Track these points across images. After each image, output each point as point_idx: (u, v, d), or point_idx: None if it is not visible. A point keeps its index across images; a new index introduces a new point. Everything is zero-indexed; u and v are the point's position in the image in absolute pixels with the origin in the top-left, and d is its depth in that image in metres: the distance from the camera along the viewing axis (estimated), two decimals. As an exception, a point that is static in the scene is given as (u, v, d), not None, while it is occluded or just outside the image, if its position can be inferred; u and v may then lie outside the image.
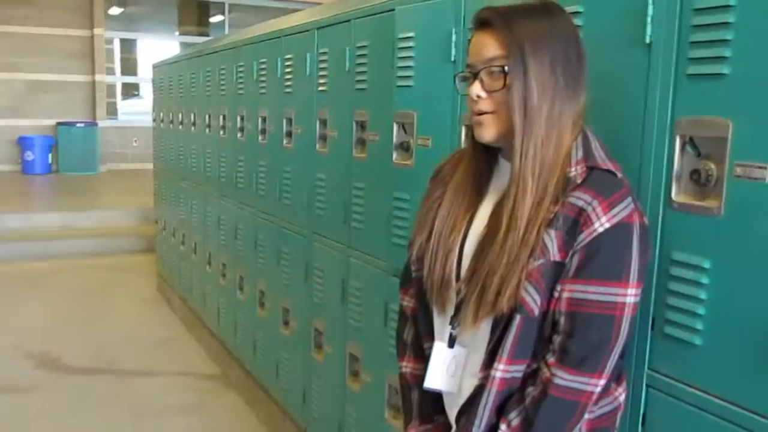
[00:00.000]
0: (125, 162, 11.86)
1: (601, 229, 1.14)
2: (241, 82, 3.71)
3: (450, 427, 1.37)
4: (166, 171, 5.57)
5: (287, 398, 3.26)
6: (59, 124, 11.53)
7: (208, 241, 4.44)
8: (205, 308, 4.57)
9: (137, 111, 12.97)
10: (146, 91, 13.35)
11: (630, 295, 1.15)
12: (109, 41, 12.57)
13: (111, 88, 12.65)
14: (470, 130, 1.31)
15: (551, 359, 1.17)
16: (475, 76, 1.23)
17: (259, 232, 3.53)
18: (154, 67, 5.83)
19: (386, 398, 2.33)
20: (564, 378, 1.16)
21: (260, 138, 3.44)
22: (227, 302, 4.08)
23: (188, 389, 4.03)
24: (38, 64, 11.66)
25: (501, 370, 1.20)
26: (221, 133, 4.07)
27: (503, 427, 1.20)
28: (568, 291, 1.16)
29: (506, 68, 1.18)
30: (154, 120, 5.86)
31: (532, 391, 1.19)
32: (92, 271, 6.64)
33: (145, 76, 13.24)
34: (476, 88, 1.22)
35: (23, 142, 11.39)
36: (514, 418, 1.19)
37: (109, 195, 9.87)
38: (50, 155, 11.45)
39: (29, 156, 11.35)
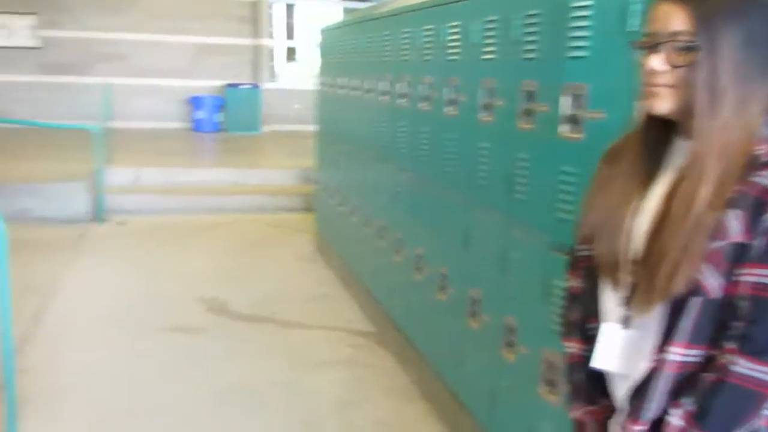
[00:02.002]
0: (285, 123, 12.34)
1: None
2: (405, 49, 3.75)
3: (613, 410, 1.35)
4: (328, 134, 5.76)
5: (439, 362, 3.33)
6: (227, 85, 12.15)
7: (367, 203, 4.57)
8: (362, 268, 4.73)
9: (296, 74, 13.42)
10: (303, 55, 13.78)
11: None
12: (270, 6, 13.02)
13: (272, 52, 13.14)
14: (641, 105, 1.26)
15: (731, 345, 1.13)
16: (655, 47, 1.17)
17: (419, 197, 3.59)
18: (322, 31, 5.99)
19: (541, 372, 2.33)
20: (744, 366, 1.11)
21: (423, 105, 3.48)
22: (384, 264, 4.19)
23: (342, 344, 4.20)
24: (207, 28, 12.30)
25: (676, 353, 1.17)
26: (383, 98, 4.15)
27: (676, 411, 1.18)
28: (753, 275, 1.11)
29: (693, 45, 1.12)
30: (319, 84, 6.05)
31: (708, 377, 1.15)
32: (255, 226, 7.02)
33: (302, 40, 13.66)
34: (656, 61, 1.16)
35: (194, 102, 12.10)
36: (688, 404, 1.17)
37: (271, 155, 10.34)
38: (218, 115, 12.11)
39: (199, 115, 12.06)
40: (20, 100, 11.38)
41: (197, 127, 12.05)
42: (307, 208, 7.15)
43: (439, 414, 3.33)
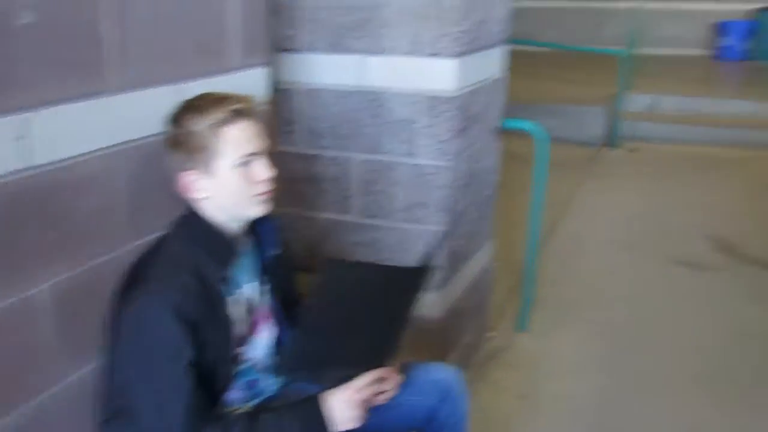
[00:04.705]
0: (828, 53, 10.76)
1: None
2: None
3: None
4: None
5: None
6: (761, 9, 11.03)
7: None
8: None
9: None
10: None
11: None
12: None
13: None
14: None
15: None
16: None
17: None
18: None
19: None
20: None
21: None
22: None
23: None
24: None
25: None
26: None
27: None
28: None
29: None
30: None
31: None
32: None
33: None
34: None
35: (721, 28, 11.31)
36: None
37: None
38: (747, 42, 11.13)
39: (725, 42, 11.24)
40: (552, 25, 12.06)
41: (721, 54, 11.27)
42: None
43: None
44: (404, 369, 1.69)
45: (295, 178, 2.64)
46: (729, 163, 6.47)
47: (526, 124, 2.87)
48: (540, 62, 9.67)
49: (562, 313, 3.57)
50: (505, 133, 2.97)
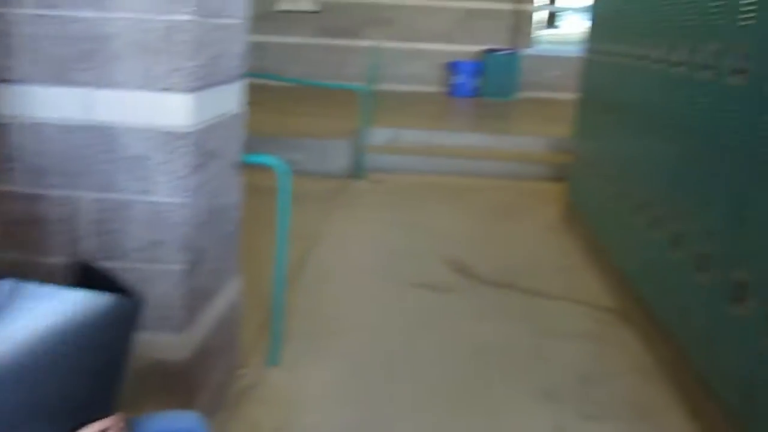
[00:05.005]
0: (542, 90, 12.16)
1: None
2: (687, 13, 3.52)
3: None
4: (591, 102, 5.59)
5: (690, 346, 3.16)
6: (486, 51, 12.21)
7: (627, 176, 4.40)
8: (613, 242, 4.59)
9: (555, 41, 13.12)
10: (564, 21, 13.40)
11: None
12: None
13: (531, 17, 12.95)
14: None
15: None
16: None
17: (687, 172, 3.39)
18: (596, -3, 5.80)
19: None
20: None
21: (701, 74, 3.25)
22: (638, 239, 4.03)
23: (585, 318, 4.12)
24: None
25: None
26: (657, 66, 3.94)
27: None
28: None
29: None
30: (587, 50, 5.86)
31: None
32: (504, 192, 7.07)
33: (565, 5, 13.27)
34: None
35: (453, 67, 12.33)
36: None
37: (525, 122, 10.27)
38: (475, 80, 12.23)
39: (457, 80, 12.26)
40: (296, 60, 12.35)
41: (454, 91, 12.27)
42: (558, 178, 7.04)
43: (683, 399, 3.18)
44: (134, 424, 1.58)
45: (15, 219, 2.41)
46: (466, 191, 7.03)
47: (267, 159, 2.89)
48: (286, 97, 9.85)
49: (314, 345, 3.61)
50: (250, 167, 2.96)
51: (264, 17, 12.20)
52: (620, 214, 4.42)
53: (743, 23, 2.86)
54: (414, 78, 12.57)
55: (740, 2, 2.88)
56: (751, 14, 2.79)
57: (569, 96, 6.33)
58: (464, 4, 12.47)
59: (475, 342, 3.76)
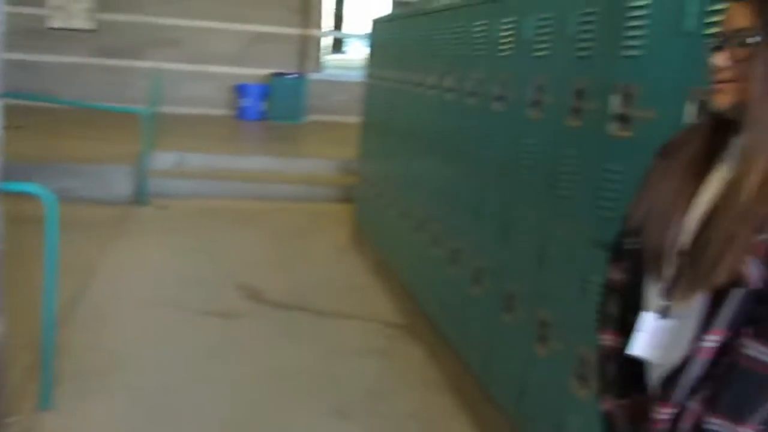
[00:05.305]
0: (329, 114, 12.40)
1: None
2: (456, 43, 3.76)
3: (646, 404, 1.36)
4: (373, 125, 5.79)
5: (470, 356, 3.34)
6: (273, 74, 12.25)
7: (408, 196, 4.60)
8: (398, 261, 4.76)
9: (341, 66, 13.49)
10: (351, 46, 13.85)
11: None
12: (322, -2, 13.09)
13: (319, 42, 13.23)
14: (706, 103, 1.29)
15: (749, 330, 1.15)
16: (722, 45, 1.21)
17: (459, 191, 3.60)
18: (374, 22, 6.01)
19: (573, 368, 2.34)
20: (755, 349, 1.13)
21: (471, 100, 3.49)
22: (420, 257, 4.21)
23: (376, 335, 4.23)
24: (260, 16, 12.41)
25: (712, 341, 1.19)
26: (432, 92, 4.17)
27: (695, 396, 1.20)
28: None
29: (753, 39, 1.16)
30: (367, 75, 6.07)
31: (724, 360, 1.17)
32: (294, 215, 7.10)
33: (351, 31, 13.71)
34: (721, 58, 1.21)
35: (240, 90, 12.23)
36: (706, 388, 1.19)
37: (313, 144, 10.41)
38: (263, 103, 12.22)
39: (244, 103, 12.18)
40: (72, 81, 11.62)
41: (242, 114, 12.18)
42: (347, 199, 7.20)
43: (466, 407, 3.35)
44: None
45: None
46: (255, 215, 6.97)
47: (29, 187, 2.67)
48: (63, 120, 9.24)
49: (92, 384, 3.37)
50: (13, 196, 2.71)
51: (33, 34, 11.37)
52: (403, 233, 4.60)
53: (503, 54, 3.10)
54: (201, 101, 12.31)
55: (500, 36, 3.13)
56: (509, 46, 3.04)
57: (355, 119, 6.52)
58: (253, 28, 12.44)
59: (267, 367, 3.72)
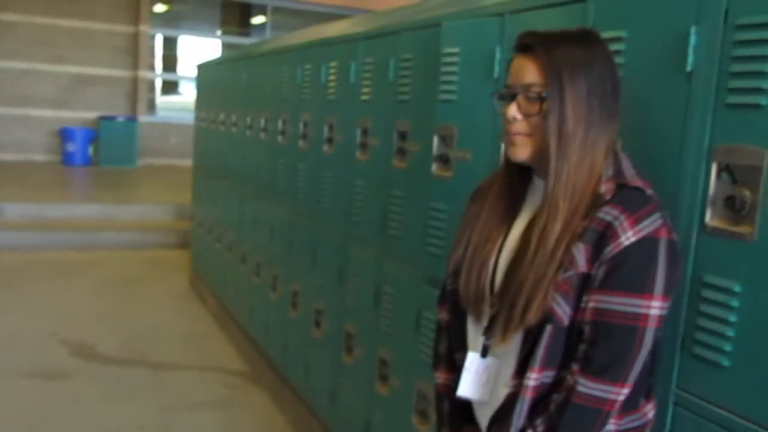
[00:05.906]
0: (162, 157, 12.05)
1: (626, 243, 1.18)
2: (284, 87, 3.79)
3: None
4: (205, 169, 5.68)
5: (315, 399, 3.32)
6: (101, 117, 11.75)
7: (244, 240, 4.53)
8: (238, 306, 4.66)
9: (175, 108, 13.17)
10: (185, 88, 13.57)
11: (654, 307, 1.19)
12: (151, 38, 12.77)
13: (151, 84, 12.87)
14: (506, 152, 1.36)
15: (575, 367, 1.23)
16: (513, 97, 1.28)
17: (295, 234, 3.60)
18: (199, 67, 5.95)
19: (414, 404, 2.38)
20: (586, 386, 1.21)
21: (301, 142, 3.51)
22: (260, 301, 4.15)
23: (217, 385, 4.11)
24: (84, 58, 11.90)
25: (533, 378, 1.25)
26: (262, 135, 4.16)
27: None
28: (593, 301, 1.21)
29: (544, 95, 1.24)
30: (195, 119, 5.98)
31: (556, 398, 1.24)
32: (127, 263, 6.78)
33: (184, 73, 13.45)
34: (513, 110, 1.28)
35: (65, 134, 11.62)
36: (540, 424, 1.25)
37: (146, 189, 10.05)
38: (90, 148, 11.67)
39: (70, 147, 11.57)
40: None
41: (68, 160, 11.56)
42: (183, 245, 6.98)
43: (313, 452, 3.32)
44: None
45: None
46: (85, 266, 6.59)
47: None
48: None
49: None
50: None
51: None
52: (241, 277, 4.52)
53: (330, 97, 3.16)
54: (21, 146, 11.57)
55: (328, 80, 3.18)
56: (336, 90, 3.10)
57: (190, 162, 6.37)
58: (78, 69, 11.90)
59: (100, 429, 3.50)
